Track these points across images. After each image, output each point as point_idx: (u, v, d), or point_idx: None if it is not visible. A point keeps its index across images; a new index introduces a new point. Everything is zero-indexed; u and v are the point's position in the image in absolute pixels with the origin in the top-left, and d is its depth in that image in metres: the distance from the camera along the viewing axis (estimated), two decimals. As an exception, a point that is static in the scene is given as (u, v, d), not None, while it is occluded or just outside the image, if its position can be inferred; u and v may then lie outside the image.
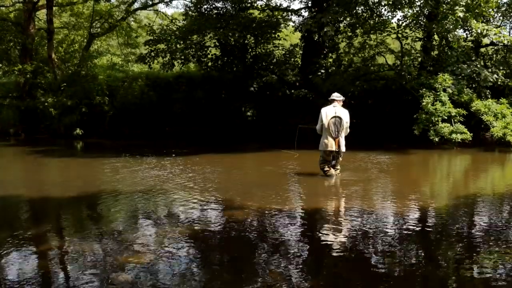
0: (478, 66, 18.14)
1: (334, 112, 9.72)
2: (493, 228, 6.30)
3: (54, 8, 25.21)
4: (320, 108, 10.10)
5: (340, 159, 10.06)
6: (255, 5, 22.89)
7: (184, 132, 21.77)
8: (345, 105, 10.19)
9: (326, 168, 9.87)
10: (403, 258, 5.06)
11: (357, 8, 18.55)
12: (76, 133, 21.39)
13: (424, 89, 16.61)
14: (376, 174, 10.74)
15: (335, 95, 9.96)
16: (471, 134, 15.84)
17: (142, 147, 17.55)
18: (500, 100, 17.01)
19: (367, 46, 21.30)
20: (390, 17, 19.54)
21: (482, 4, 16.30)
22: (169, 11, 75.40)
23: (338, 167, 10.06)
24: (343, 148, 9.84)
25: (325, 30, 17.16)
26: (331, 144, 9.67)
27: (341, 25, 20.10)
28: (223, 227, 6.33)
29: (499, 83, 18.17)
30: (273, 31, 22.26)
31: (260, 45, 22.89)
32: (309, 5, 23.24)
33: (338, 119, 9.69)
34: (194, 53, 22.56)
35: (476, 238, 5.86)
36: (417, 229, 6.30)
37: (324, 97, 10.61)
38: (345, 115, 9.78)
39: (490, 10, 17.56)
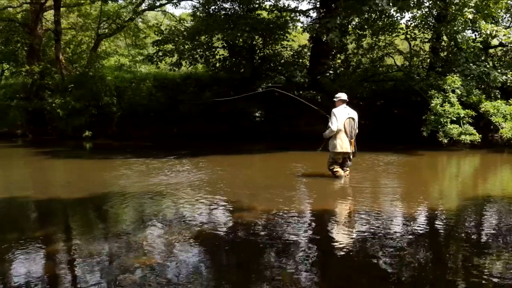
0: (487, 67, 18.02)
1: (347, 113, 9.62)
2: (503, 231, 6.22)
3: (61, 9, 25.28)
4: (328, 109, 10.00)
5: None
6: (263, 5, 22.85)
7: (192, 133, 21.75)
8: (352, 106, 10.11)
9: (335, 169, 9.78)
10: (412, 261, 4.99)
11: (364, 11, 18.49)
12: (85, 135, 21.44)
13: (433, 90, 16.53)
14: (385, 175, 10.67)
15: (344, 96, 9.84)
16: (480, 135, 15.73)
17: (150, 148, 17.60)
18: (510, 101, 16.85)
19: (375, 47, 21.23)
20: (399, 18, 19.49)
21: (491, 5, 16.22)
22: (177, 11, 75.59)
23: (347, 168, 9.97)
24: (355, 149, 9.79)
25: (331, 36, 17.04)
26: (346, 146, 9.55)
27: (350, 26, 20.03)
28: (231, 229, 6.28)
29: (508, 84, 18.03)
30: (281, 32, 22.19)
31: (268, 46, 22.85)
32: (317, 5, 23.21)
33: (352, 120, 9.60)
34: (202, 53, 22.56)
35: (485, 241, 5.77)
36: (426, 231, 6.22)
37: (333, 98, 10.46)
38: (355, 115, 9.73)
39: (500, 11, 17.46)
